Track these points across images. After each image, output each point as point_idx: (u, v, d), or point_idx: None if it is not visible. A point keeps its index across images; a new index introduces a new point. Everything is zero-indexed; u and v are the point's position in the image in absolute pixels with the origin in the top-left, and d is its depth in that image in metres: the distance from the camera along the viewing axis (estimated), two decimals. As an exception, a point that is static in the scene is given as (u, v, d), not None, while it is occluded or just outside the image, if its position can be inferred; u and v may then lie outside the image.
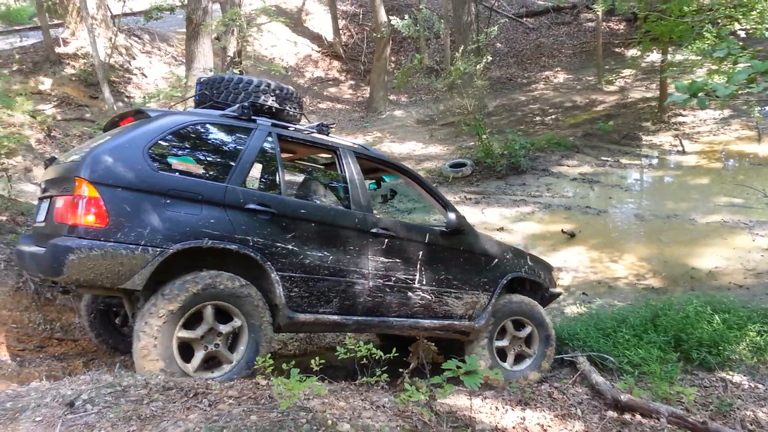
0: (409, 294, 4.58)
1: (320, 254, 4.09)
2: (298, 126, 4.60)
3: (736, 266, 7.37)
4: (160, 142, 3.66)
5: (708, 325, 5.78)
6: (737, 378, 5.38)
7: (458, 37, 16.67)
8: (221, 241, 3.60)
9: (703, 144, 11.34)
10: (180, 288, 3.41)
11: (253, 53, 13.03)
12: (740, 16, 10.37)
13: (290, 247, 3.93)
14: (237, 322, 3.63)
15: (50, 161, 4.24)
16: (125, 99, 11.76)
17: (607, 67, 16.69)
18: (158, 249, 3.41)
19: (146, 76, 13.02)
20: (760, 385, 5.28)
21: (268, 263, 3.78)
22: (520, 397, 4.87)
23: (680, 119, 12.73)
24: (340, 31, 19.51)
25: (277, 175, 4.13)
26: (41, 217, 3.88)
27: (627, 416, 4.62)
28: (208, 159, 3.94)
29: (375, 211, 4.62)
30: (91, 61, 10.76)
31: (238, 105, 4.21)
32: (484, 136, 10.91)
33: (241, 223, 3.73)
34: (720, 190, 9.50)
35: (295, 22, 19.05)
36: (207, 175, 3.77)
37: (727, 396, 5.12)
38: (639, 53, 16.86)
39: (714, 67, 10.78)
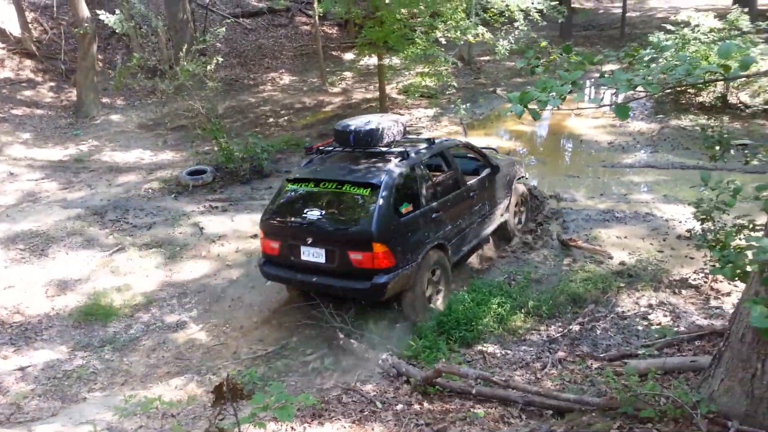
0: (486, 219, 7.67)
1: (458, 222, 6.96)
2: (421, 149, 6.84)
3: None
4: (391, 199, 6.01)
5: (462, 305, 6.40)
6: (491, 348, 6.05)
7: (174, 35, 15.70)
8: (434, 241, 6.46)
9: (423, 139, 12.56)
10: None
11: None
12: (440, 25, 11.73)
13: (449, 227, 6.76)
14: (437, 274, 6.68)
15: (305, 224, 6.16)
16: None
17: (328, 69, 17.42)
18: (415, 261, 6.16)
19: None
20: (509, 352, 6.01)
21: (446, 242, 6.68)
22: (314, 411, 4.75)
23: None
24: (30, 26, 16.77)
25: (432, 187, 6.69)
26: (320, 258, 6.03)
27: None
28: (408, 193, 6.35)
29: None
30: None
31: (405, 149, 6.54)
32: (223, 141, 10.44)
33: (436, 227, 6.54)
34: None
35: (-34, 12, 15.80)
36: (414, 205, 6.31)
37: (487, 366, 5.74)
38: (356, 57, 17.98)
39: (425, 70, 12.01)
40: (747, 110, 12.18)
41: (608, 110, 14.01)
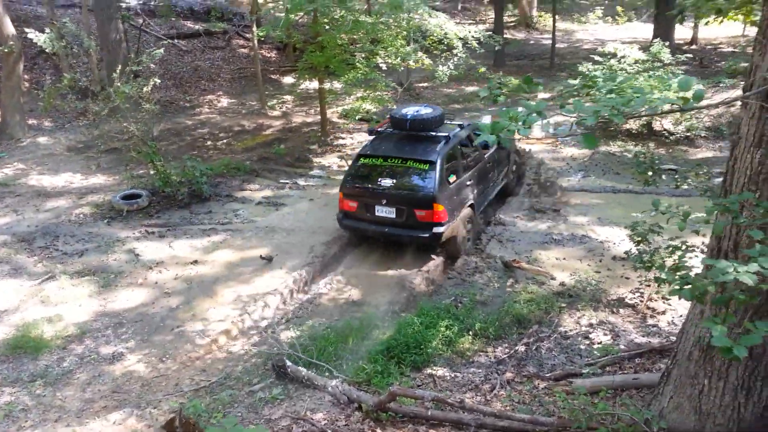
0: (496, 183, 10.20)
1: (480, 186, 9.29)
2: (457, 133, 9.04)
3: (414, 269, 8.31)
4: (443, 172, 8.20)
5: (411, 329, 6.40)
6: (441, 371, 6.07)
7: (107, 56, 15.23)
8: (468, 201, 8.75)
9: (365, 163, 12.60)
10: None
11: None
12: (380, 51, 11.89)
13: (477, 191, 9.10)
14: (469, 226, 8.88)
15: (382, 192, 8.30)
16: None
17: (267, 93, 17.29)
18: (458, 216, 8.35)
19: None
20: (458, 374, 6.05)
21: (474, 202, 8.96)
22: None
23: (341, 141, 13.94)
24: (-52, 41, 15.84)
25: (466, 161, 9.02)
26: (391, 214, 8.18)
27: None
28: (452, 166, 8.57)
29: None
30: None
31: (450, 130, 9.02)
32: (160, 164, 10.12)
33: (469, 191, 8.85)
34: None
35: None
36: (456, 176, 8.58)
37: (438, 389, 5.74)
38: (295, 80, 17.92)
39: (366, 94, 12.11)
40: (671, 137, 12.90)
41: (543, 136, 14.49)
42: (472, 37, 11.66)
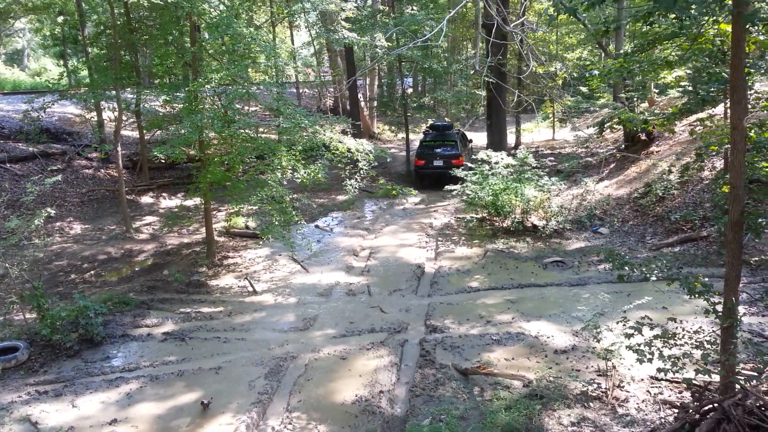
0: (469, 154, 21.69)
1: (468, 153, 21.73)
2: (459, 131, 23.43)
3: (374, 390, 7.75)
4: (460, 143, 21.29)
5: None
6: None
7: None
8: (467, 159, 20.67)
9: (268, 282, 11.80)
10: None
11: None
12: (278, 168, 11.60)
13: (466, 155, 21.10)
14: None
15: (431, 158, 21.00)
16: None
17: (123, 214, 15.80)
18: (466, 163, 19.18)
19: None
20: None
21: (468, 160, 20.77)
22: None
23: (231, 260, 13.02)
24: None
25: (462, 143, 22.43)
26: (440, 163, 20.18)
27: None
28: (462, 142, 22.13)
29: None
30: None
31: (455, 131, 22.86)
32: (46, 307, 8.52)
33: (465, 155, 21.24)
34: (312, 324, 9.97)
35: None
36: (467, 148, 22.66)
37: None
38: (154, 200, 16.69)
39: (269, 208, 11.59)
40: (545, 231, 14.05)
41: (428, 239, 14.93)
42: (370, 151, 11.97)
